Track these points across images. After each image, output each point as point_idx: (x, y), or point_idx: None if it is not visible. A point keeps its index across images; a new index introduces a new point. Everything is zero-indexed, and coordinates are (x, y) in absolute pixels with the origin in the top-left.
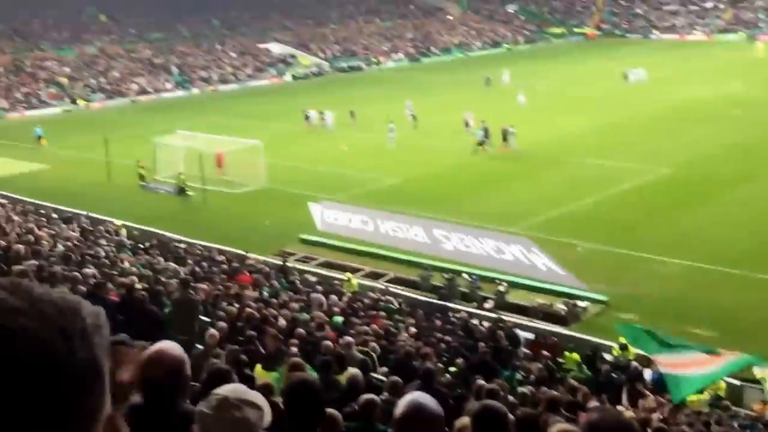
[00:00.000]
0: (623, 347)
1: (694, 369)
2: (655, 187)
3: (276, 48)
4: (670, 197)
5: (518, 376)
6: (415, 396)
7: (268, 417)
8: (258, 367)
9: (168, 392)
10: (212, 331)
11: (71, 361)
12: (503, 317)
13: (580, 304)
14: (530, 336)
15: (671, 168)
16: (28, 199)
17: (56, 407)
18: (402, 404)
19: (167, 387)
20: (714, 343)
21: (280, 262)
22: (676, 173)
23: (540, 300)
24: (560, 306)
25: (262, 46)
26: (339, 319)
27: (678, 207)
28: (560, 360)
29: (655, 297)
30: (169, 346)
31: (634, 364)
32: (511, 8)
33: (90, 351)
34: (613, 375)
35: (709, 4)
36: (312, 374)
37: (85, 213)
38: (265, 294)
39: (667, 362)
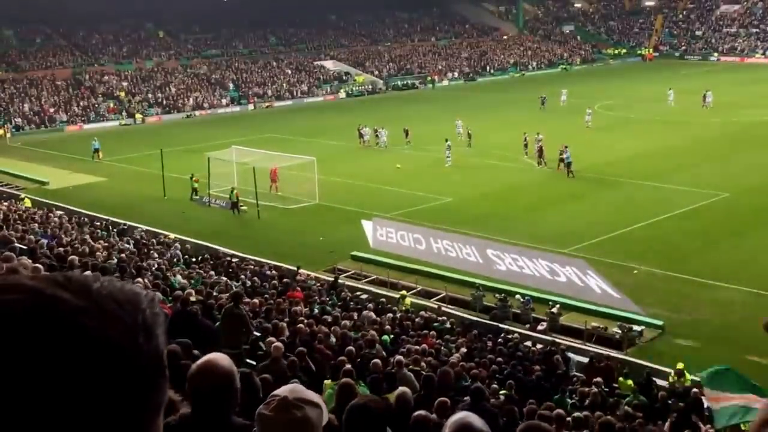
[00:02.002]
0: (680, 374)
1: (737, 401)
2: (714, 212)
3: (331, 65)
4: (730, 222)
5: (571, 400)
6: (463, 415)
7: (326, 415)
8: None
9: (216, 404)
10: (277, 343)
11: (138, 357)
12: (556, 340)
13: (636, 328)
14: (584, 359)
15: (731, 192)
16: (84, 211)
17: (126, 405)
18: (449, 423)
19: (216, 398)
20: None
21: (332, 279)
22: (736, 198)
23: (594, 323)
24: (615, 330)
25: (317, 63)
26: (387, 338)
27: (738, 232)
28: (615, 385)
29: (713, 323)
30: (218, 357)
31: (695, 391)
32: (567, 28)
33: (153, 344)
34: (669, 402)
35: None
36: (364, 391)
37: (139, 226)
38: (316, 310)
39: (713, 397)
